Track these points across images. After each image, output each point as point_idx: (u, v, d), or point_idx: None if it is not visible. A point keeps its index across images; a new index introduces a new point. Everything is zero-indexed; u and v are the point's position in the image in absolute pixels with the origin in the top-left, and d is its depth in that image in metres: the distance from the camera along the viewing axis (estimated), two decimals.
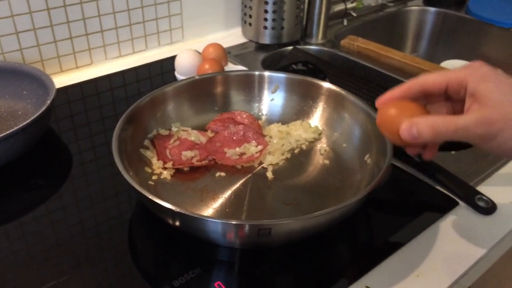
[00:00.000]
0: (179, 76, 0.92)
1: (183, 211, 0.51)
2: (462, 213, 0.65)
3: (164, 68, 1.05)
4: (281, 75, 0.79)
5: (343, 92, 0.74)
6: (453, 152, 0.76)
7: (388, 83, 0.95)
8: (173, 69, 1.03)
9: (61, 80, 0.95)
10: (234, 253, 0.59)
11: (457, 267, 0.57)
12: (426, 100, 0.56)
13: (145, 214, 0.64)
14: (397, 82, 0.93)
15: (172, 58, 1.05)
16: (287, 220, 0.51)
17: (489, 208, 0.65)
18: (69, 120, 0.84)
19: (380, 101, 0.56)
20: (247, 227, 0.51)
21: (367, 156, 0.68)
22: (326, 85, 0.76)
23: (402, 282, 0.55)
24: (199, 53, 0.94)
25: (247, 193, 0.66)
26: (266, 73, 0.79)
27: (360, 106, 0.71)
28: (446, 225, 0.63)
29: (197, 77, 0.78)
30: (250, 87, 0.80)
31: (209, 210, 0.63)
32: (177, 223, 0.56)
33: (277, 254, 0.58)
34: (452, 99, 0.55)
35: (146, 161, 0.69)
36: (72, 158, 0.75)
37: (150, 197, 0.53)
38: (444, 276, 0.56)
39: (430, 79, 0.54)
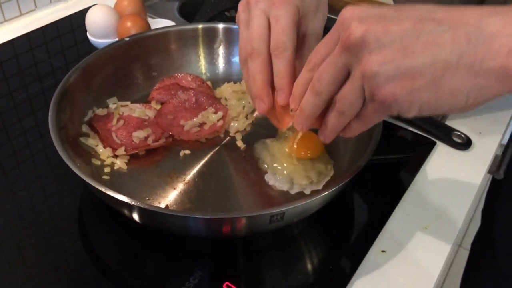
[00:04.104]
0: (93, 39, 0.76)
1: (179, 213, 0.42)
2: (441, 152, 0.63)
3: (61, 31, 0.87)
4: (233, 27, 0.68)
5: None
6: None
7: None
8: (73, 31, 0.87)
9: None
10: None
11: (460, 206, 0.55)
12: None
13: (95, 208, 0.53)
14: None
15: (70, 18, 0.88)
16: (304, 201, 0.44)
17: (465, 143, 0.64)
18: None
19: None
20: (257, 217, 0.43)
21: None
22: None
23: (414, 238, 0.52)
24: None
25: (223, 169, 0.57)
26: (207, 25, 0.68)
27: None
28: (432, 167, 0.61)
29: (127, 39, 0.65)
30: (190, 44, 0.69)
31: (185, 200, 0.53)
32: (166, 226, 0.46)
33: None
34: None
35: (90, 152, 0.57)
36: None
37: (130, 202, 0.42)
38: (451, 220, 0.54)
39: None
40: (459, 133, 0.64)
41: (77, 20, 0.89)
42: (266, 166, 0.56)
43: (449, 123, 0.67)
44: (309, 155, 0.56)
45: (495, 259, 0.88)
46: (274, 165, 0.56)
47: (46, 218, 0.52)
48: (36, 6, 0.89)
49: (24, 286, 0.45)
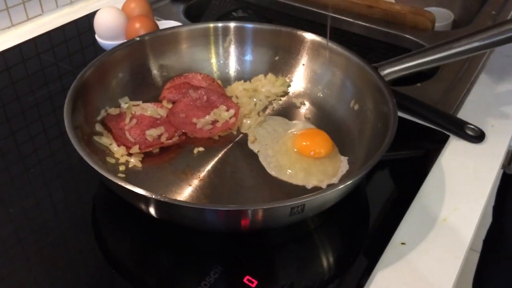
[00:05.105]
0: (102, 41, 0.76)
1: (201, 206, 0.42)
2: (455, 145, 0.63)
3: (68, 35, 0.87)
4: (248, 26, 0.68)
5: (304, 35, 0.67)
6: (418, 84, 0.74)
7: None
8: (79, 35, 0.87)
9: None
10: None
11: (477, 197, 0.55)
12: None
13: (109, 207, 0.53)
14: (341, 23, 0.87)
15: (76, 22, 0.88)
16: (324, 193, 0.44)
17: (479, 136, 0.63)
18: None
19: None
20: (278, 209, 0.43)
21: (352, 102, 0.62)
22: (283, 29, 0.68)
23: (433, 230, 0.52)
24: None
25: (238, 165, 0.57)
26: (218, 24, 0.68)
27: (333, 49, 0.65)
28: (447, 160, 0.61)
29: (137, 39, 0.65)
30: (200, 43, 0.68)
31: (201, 196, 0.52)
32: (184, 220, 0.45)
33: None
34: None
35: (105, 150, 0.56)
36: None
37: (150, 195, 0.42)
38: (469, 212, 0.54)
39: None
40: (472, 126, 0.64)
41: (84, 24, 0.89)
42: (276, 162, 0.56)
43: (461, 116, 0.67)
44: (321, 154, 0.56)
45: (508, 255, 0.87)
46: (288, 160, 0.56)
47: (61, 219, 0.51)
48: (42, 11, 0.89)
49: (41, 283, 0.45)
